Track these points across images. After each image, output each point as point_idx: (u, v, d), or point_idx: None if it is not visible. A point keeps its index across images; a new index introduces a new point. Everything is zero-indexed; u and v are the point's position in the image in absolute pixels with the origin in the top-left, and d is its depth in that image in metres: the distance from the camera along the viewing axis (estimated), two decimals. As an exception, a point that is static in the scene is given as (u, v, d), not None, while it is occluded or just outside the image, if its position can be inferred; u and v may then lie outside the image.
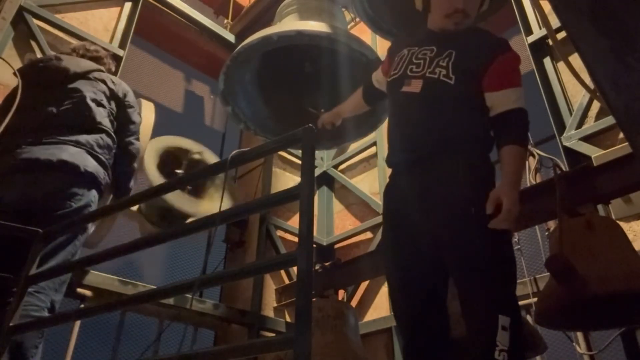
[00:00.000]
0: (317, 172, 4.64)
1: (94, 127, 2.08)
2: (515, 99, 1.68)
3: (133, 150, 2.29)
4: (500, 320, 1.44)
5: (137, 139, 2.32)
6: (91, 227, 2.31)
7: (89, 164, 1.99)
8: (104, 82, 2.22)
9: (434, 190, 1.67)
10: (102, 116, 2.13)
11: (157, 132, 2.85)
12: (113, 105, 2.22)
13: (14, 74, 2.10)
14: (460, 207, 1.61)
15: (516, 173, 1.62)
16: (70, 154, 1.95)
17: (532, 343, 1.96)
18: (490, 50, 1.74)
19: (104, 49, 2.61)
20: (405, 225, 1.74)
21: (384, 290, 3.68)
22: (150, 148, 2.81)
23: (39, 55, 3.16)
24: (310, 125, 1.12)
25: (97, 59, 2.35)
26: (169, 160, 2.92)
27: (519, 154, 1.64)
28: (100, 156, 2.06)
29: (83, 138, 2.02)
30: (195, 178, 1.39)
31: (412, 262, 1.69)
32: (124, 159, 2.25)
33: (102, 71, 2.28)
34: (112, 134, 2.17)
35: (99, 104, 2.14)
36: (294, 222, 4.28)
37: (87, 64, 2.23)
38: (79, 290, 2.81)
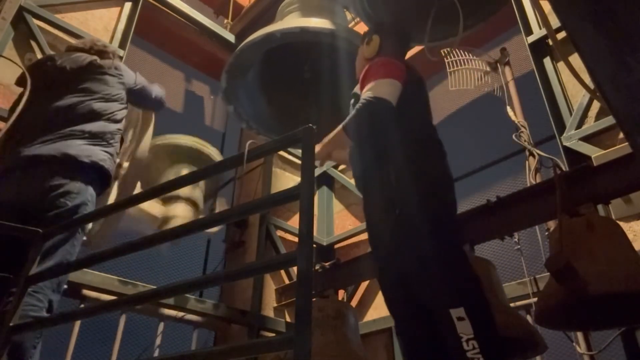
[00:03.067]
0: (317, 172, 4.63)
1: (102, 118, 2.09)
2: (365, 92, 1.89)
3: (157, 94, 2.44)
4: (454, 313, 1.45)
5: (154, 89, 2.42)
6: (96, 227, 2.31)
7: (96, 155, 1.97)
8: (103, 69, 2.22)
9: (368, 204, 1.98)
10: (110, 107, 2.13)
11: (157, 132, 2.85)
12: (119, 90, 2.22)
13: (23, 73, 2.10)
14: (383, 216, 1.79)
15: (327, 140, 1.95)
16: (76, 146, 1.93)
17: (532, 343, 1.96)
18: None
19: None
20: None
21: (384, 290, 3.68)
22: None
23: (39, 55, 3.16)
24: (311, 125, 1.12)
25: (102, 53, 2.36)
26: None
27: (337, 132, 1.91)
28: (109, 147, 2.06)
29: (89, 127, 2.02)
30: (204, 175, 1.39)
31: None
32: (141, 98, 2.42)
33: (97, 59, 2.27)
34: (120, 124, 2.19)
35: (105, 97, 2.14)
36: (294, 222, 4.27)
37: (82, 58, 2.23)
38: (79, 290, 2.82)
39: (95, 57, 2.26)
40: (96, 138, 2.02)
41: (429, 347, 1.64)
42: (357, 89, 2.10)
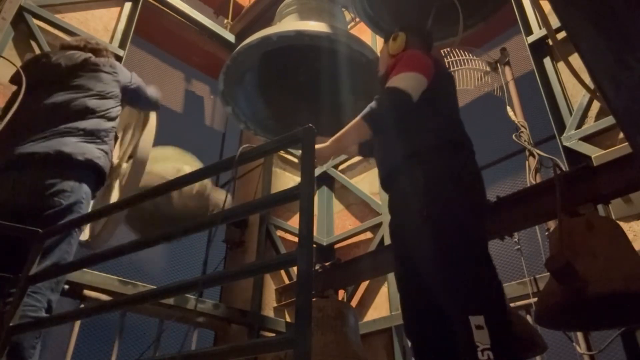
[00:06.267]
0: (317, 172, 4.64)
1: (96, 115, 2.08)
2: (388, 83, 1.87)
3: (153, 95, 2.42)
4: (473, 320, 1.41)
5: (150, 90, 2.42)
6: (98, 227, 2.31)
7: (90, 152, 1.97)
8: (98, 66, 2.21)
9: (396, 204, 1.91)
10: (105, 104, 2.13)
11: (157, 133, 2.85)
12: (113, 88, 2.22)
13: (18, 71, 2.09)
14: (411, 216, 1.72)
15: (341, 134, 1.88)
16: (71, 143, 1.93)
17: (532, 343, 1.96)
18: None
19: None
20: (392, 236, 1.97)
21: (384, 290, 3.68)
22: None
23: (39, 55, 3.16)
24: (310, 125, 1.12)
25: (96, 51, 2.35)
26: None
27: (354, 123, 1.85)
28: (103, 145, 2.05)
29: (84, 124, 2.01)
30: (200, 176, 1.40)
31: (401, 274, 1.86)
32: (136, 97, 2.40)
33: (91, 57, 2.26)
34: (115, 122, 2.18)
35: (100, 94, 2.14)
36: (294, 222, 4.28)
37: (76, 55, 2.22)
38: (79, 290, 2.82)
39: (90, 55, 2.25)
40: (91, 135, 2.01)
41: (440, 350, 1.61)
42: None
